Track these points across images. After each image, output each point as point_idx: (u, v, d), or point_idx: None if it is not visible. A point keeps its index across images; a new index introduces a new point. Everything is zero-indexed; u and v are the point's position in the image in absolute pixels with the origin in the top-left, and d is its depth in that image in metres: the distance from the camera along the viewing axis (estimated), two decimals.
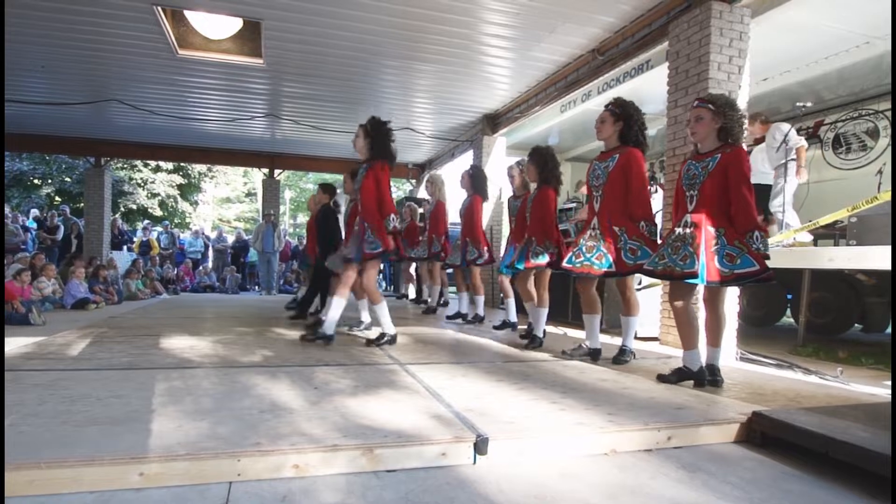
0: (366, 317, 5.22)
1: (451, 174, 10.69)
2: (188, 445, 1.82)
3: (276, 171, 13.02)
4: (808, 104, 5.93)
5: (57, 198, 19.75)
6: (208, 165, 21.82)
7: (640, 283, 4.89)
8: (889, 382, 3.55)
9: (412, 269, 9.49)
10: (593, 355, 3.77)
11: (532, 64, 6.73)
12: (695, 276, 2.87)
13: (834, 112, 6.68)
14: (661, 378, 3.15)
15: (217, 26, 6.13)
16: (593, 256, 3.53)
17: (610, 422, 2.26)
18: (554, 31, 5.79)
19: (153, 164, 21.38)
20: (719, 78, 4.44)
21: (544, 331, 4.42)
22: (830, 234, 5.64)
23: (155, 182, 21.87)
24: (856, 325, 6.21)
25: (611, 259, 3.48)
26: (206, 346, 4.03)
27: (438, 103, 8.49)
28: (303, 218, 30.97)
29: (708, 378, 3.05)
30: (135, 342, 4.14)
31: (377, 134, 4.18)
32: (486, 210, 7.69)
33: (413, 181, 13.48)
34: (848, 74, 6.02)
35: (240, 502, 1.62)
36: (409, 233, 7.69)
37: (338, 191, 6.44)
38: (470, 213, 5.92)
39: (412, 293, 10.05)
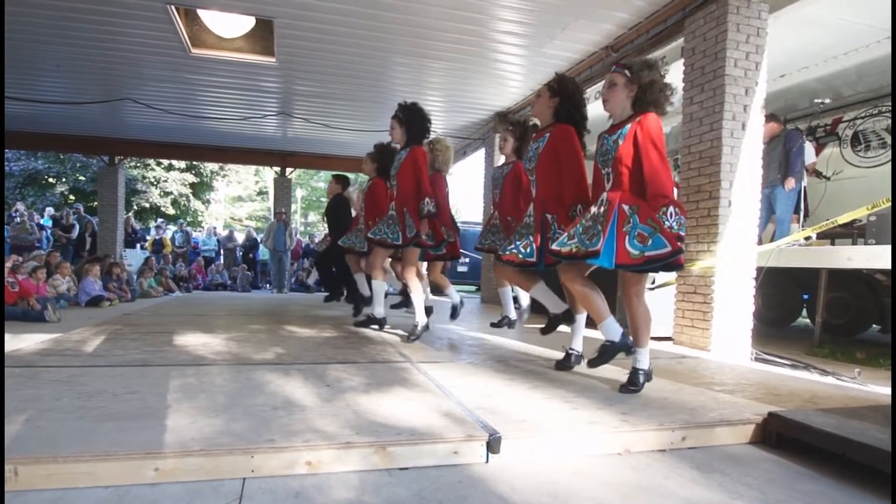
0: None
1: (464, 173, 10.63)
2: (202, 441, 1.83)
3: (288, 170, 13.08)
4: (827, 101, 5.88)
5: (71, 196, 20.02)
6: (220, 164, 22.00)
7: (653, 283, 4.84)
8: None
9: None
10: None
11: (545, 61, 6.69)
12: (596, 255, 2.57)
13: (853, 109, 6.58)
14: (591, 363, 2.91)
15: (230, 25, 6.16)
16: (521, 244, 3.20)
17: (623, 421, 2.24)
18: (567, 28, 5.75)
19: (166, 162, 21.58)
20: (736, 74, 4.39)
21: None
22: (849, 233, 5.58)
23: (168, 181, 22.08)
24: (874, 325, 6.11)
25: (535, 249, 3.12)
26: (219, 343, 4.06)
27: (450, 101, 8.48)
28: (314, 216, 31.15)
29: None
30: (149, 339, 4.18)
31: (410, 119, 4.19)
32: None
33: None
34: (867, 71, 5.92)
35: (254, 498, 1.63)
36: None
37: (350, 188, 6.52)
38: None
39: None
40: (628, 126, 2.68)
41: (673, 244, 2.48)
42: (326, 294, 6.58)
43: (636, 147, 2.64)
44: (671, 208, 2.53)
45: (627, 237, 2.57)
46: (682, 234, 2.56)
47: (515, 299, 4.96)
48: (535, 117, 3.38)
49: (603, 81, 6.37)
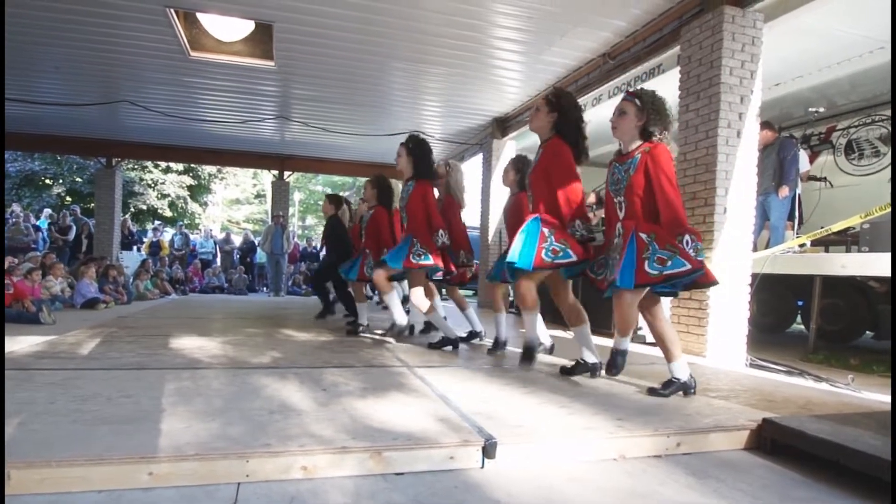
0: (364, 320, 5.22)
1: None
2: (197, 445, 1.83)
3: (286, 173, 13.09)
4: (821, 109, 5.93)
5: (68, 198, 19.94)
6: (218, 167, 21.98)
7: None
8: None
9: None
10: (592, 370, 3.34)
11: (543, 67, 6.72)
12: (613, 282, 2.74)
13: (846, 118, 6.64)
14: (653, 392, 2.87)
15: (229, 28, 6.18)
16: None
17: (619, 427, 2.24)
18: (565, 35, 5.79)
19: (163, 165, 21.55)
20: (731, 83, 4.42)
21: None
22: (843, 240, 5.61)
23: (165, 183, 22.04)
24: (867, 332, 6.14)
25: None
26: (215, 346, 4.05)
27: (448, 106, 8.50)
28: (311, 220, 31.15)
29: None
30: (144, 342, 4.17)
31: (420, 153, 4.28)
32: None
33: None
34: (861, 80, 5.98)
35: (248, 503, 1.62)
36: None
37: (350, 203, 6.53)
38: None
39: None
40: (639, 156, 2.77)
41: (693, 263, 2.61)
42: (320, 311, 6.49)
43: (647, 178, 2.74)
44: (687, 237, 2.66)
45: (647, 262, 2.68)
46: (702, 259, 2.67)
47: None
48: (534, 132, 3.39)
49: (600, 88, 6.43)
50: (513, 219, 4.10)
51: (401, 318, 4.37)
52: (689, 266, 2.61)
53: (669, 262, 2.64)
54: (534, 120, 3.31)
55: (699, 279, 2.73)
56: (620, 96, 6.32)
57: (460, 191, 4.70)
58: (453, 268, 4.43)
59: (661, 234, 2.70)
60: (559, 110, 3.20)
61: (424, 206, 4.20)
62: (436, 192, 4.80)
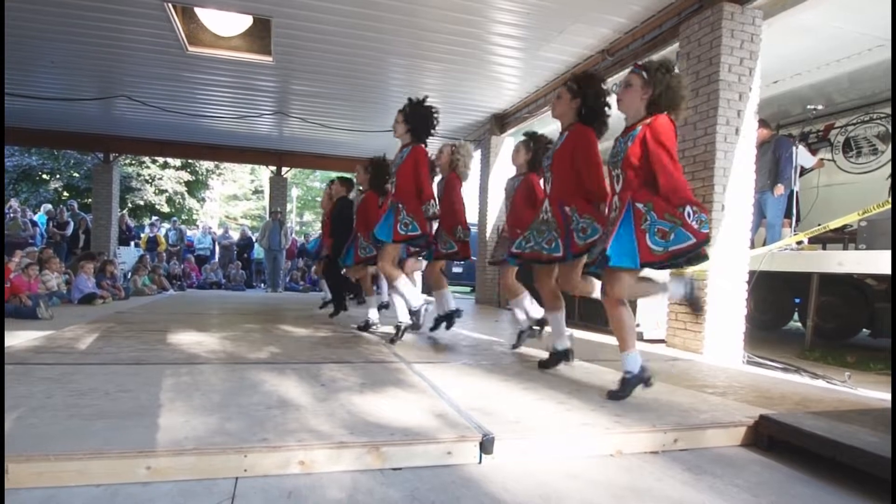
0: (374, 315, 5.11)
1: None
2: (196, 440, 1.83)
3: (284, 169, 13.05)
4: (819, 107, 5.94)
5: (65, 193, 19.87)
6: (216, 162, 21.91)
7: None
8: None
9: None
10: (566, 356, 3.43)
11: (541, 64, 6.71)
12: (608, 259, 2.52)
13: (845, 115, 6.64)
14: (612, 395, 2.69)
15: (227, 23, 6.15)
16: (543, 241, 3.14)
17: (616, 423, 2.25)
18: (564, 31, 5.77)
19: (161, 160, 21.46)
20: (730, 80, 4.42)
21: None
22: (840, 238, 5.63)
23: (163, 178, 21.94)
24: (864, 329, 6.16)
25: (560, 244, 3.06)
26: (213, 342, 4.05)
27: (446, 102, 8.47)
28: (309, 216, 31.06)
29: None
30: (142, 337, 4.17)
31: (416, 116, 4.12)
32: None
33: None
34: (859, 78, 5.98)
35: (246, 497, 1.63)
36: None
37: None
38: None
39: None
40: (639, 128, 2.63)
41: (697, 235, 2.40)
42: (333, 311, 6.24)
43: (645, 148, 2.57)
44: (688, 208, 2.44)
45: (647, 234, 2.48)
46: (705, 231, 2.44)
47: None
48: (557, 118, 3.32)
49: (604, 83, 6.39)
50: (520, 199, 4.00)
51: (405, 317, 4.26)
52: (693, 240, 2.39)
53: (672, 235, 2.42)
54: (556, 107, 3.25)
55: (699, 252, 2.46)
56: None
57: (466, 168, 4.62)
58: (434, 243, 4.31)
59: (659, 203, 2.49)
60: (582, 97, 3.14)
61: (416, 172, 4.05)
62: (439, 176, 4.69)
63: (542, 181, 3.64)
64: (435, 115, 4.19)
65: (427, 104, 4.17)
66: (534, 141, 4.08)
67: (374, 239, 4.22)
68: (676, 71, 2.73)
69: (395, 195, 4.14)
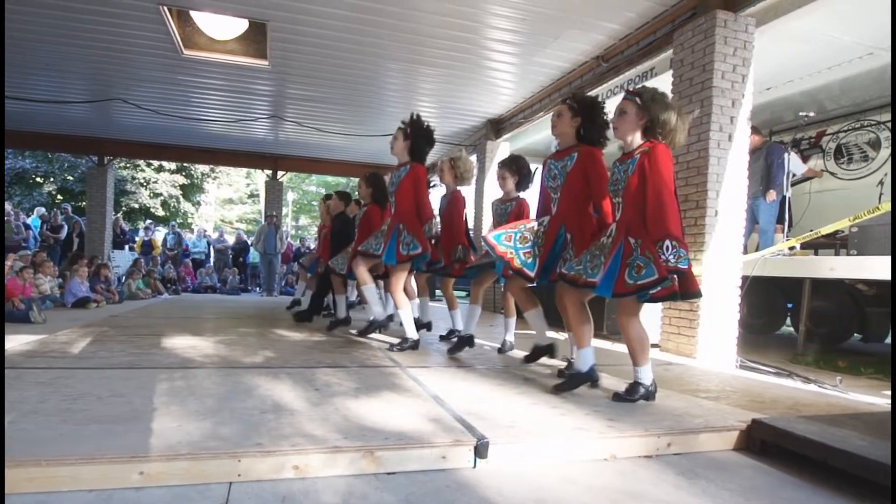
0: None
1: None
2: (189, 445, 1.83)
3: (279, 173, 13.05)
4: (811, 114, 6.00)
5: (59, 196, 19.78)
6: (211, 166, 21.87)
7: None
8: (889, 392, 3.55)
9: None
10: (549, 351, 3.54)
11: (536, 70, 6.75)
12: (594, 286, 2.66)
13: (836, 122, 6.71)
14: (557, 389, 2.86)
15: (223, 27, 6.15)
16: (522, 252, 3.14)
17: (610, 427, 2.26)
18: (559, 38, 5.81)
19: (156, 163, 21.41)
20: (723, 87, 4.46)
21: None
22: (831, 243, 5.67)
23: (157, 182, 21.88)
24: (855, 334, 6.21)
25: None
26: (207, 346, 4.03)
27: (442, 107, 8.51)
28: (304, 220, 31.00)
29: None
30: (136, 341, 4.15)
31: (418, 135, 4.12)
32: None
33: None
34: (851, 85, 6.05)
35: (240, 502, 1.62)
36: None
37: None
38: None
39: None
40: (638, 157, 2.66)
41: (660, 271, 2.47)
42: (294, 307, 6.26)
43: (643, 178, 2.63)
44: (667, 241, 2.52)
45: (628, 269, 2.59)
46: (682, 266, 2.53)
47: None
48: (557, 137, 3.32)
49: (594, 91, 6.45)
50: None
51: (412, 333, 4.15)
52: (656, 276, 2.48)
53: (644, 271, 2.53)
54: (556, 125, 3.24)
55: (678, 290, 2.56)
56: (613, 99, 6.38)
57: (468, 180, 4.69)
58: (437, 257, 4.32)
59: (645, 240, 2.60)
60: (582, 115, 3.15)
61: (415, 192, 4.06)
62: (444, 189, 4.72)
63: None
64: (432, 135, 4.23)
65: (425, 122, 4.19)
66: (516, 164, 4.14)
67: (363, 252, 4.24)
68: (670, 100, 2.77)
69: (394, 216, 4.14)
